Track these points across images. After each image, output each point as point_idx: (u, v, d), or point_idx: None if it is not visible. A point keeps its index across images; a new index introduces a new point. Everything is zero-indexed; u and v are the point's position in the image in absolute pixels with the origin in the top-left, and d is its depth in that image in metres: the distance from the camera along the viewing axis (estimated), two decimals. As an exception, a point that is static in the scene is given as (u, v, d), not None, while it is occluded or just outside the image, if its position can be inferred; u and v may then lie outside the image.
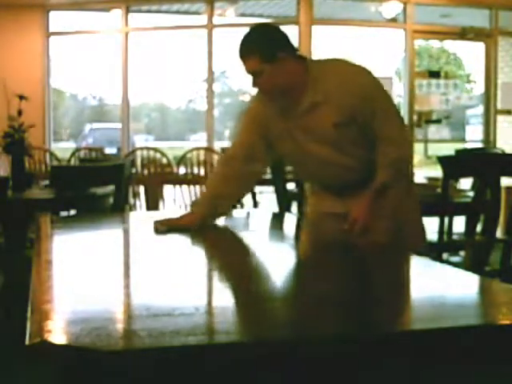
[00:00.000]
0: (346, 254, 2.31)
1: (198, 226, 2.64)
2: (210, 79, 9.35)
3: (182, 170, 6.86)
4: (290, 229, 3.09)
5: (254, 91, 2.73)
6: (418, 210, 2.84)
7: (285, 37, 2.60)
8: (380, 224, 2.60)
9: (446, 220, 3.80)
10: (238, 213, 4.13)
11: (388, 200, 2.62)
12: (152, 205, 6.59)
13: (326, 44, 11.24)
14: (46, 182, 4.77)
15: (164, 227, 2.59)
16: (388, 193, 2.61)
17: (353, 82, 2.57)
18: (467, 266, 3.52)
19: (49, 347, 1.26)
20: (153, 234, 2.56)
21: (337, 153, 2.63)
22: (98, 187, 4.55)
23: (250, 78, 2.60)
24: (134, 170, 6.27)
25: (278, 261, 2.17)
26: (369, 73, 2.62)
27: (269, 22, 11.01)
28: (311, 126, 2.61)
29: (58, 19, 9.72)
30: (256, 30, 2.63)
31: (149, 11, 10.39)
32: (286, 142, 2.70)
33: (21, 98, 4.62)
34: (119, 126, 9.80)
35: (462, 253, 4.12)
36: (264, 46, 2.54)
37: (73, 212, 4.64)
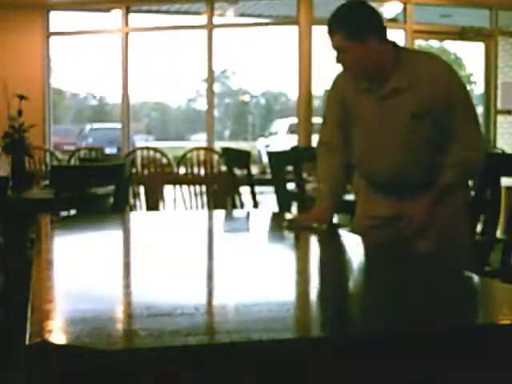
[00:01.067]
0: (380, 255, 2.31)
1: (329, 219, 2.69)
2: (210, 79, 9.35)
3: (182, 170, 6.85)
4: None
5: (339, 69, 2.69)
6: (467, 221, 2.77)
7: (377, 17, 2.57)
8: (435, 228, 2.55)
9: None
10: (238, 213, 4.13)
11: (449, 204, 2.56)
12: (152, 205, 6.59)
13: (326, 44, 11.22)
14: (46, 182, 4.76)
15: (297, 224, 2.64)
16: (448, 196, 2.55)
17: (440, 75, 2.53)
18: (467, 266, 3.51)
19: (49, 347, 1.26)
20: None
21: (404, 147, 2.58)
22: (98, 187, 4.55)
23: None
24: (134, 170, 6.26)
25: (278, 262, 2.17)
26: (456, 72, 2.62)
27: (269, 21, 11.02)
28: (390, 111, 2.57)
29: (59, 19, 9.72)
30: (348, 5, 2.60)
31: (149, 11, 10.39)
32: (360, 124, 2.67)
33: (21, 97, 4.62)
34: (119, 125, 9.80)
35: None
36: (352, 25, 2.50)
37: (73, 212, 4.64)
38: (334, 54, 2.58)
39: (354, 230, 2.82)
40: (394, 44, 2.59)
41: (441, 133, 2.54)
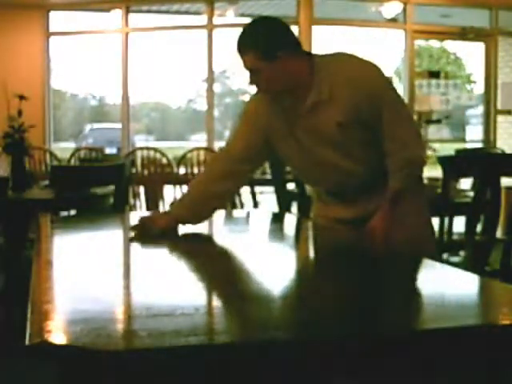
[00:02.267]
0: (351, 255, 2.31)
1: (171, 230, 2.50)
2: (210, 79, 9.35)
3: (182, 170, 6.86)
4: (290, 229, 3.08)
5: (255, 89, 2.57)
6: (427, 213, 2.71)
7: (287, 32, 2.43)
8: (399, 232, 2.47)
9: (446, 220, 3.80)
10: (238, 213, 4.13)
11: (404, 206, 2.48)
12: (152, 205, 6.59)
13: (326, 44, 11.23)
14: (46, 182, 4.77)
15: (137, 230, 2.49)
16: (403, 198, 2.47)
17: (359, 78, 2.41)
18: (467, 265, 3.52)
19: (49, 347, 1.26)
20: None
21: (341, 156, 2.50)
22: (98, 187, 4.55)
23: (247, 74, 2.47)
24: (134, 170, 6.28)
25: (278, 262, 2.17)
26: (376, 68, 2.46)
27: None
28: (315, 125, 2.47)
29: (58, 19, 9.73)
30: (256, 23, 2.46)
31: (149, 11, 10.40)
32: (289, 143, 2.55)
33: (21, 98, 4.62)
34: (119, 126, 9.81)
35: (462, 253, 4.12)
36: (263, 43, 2.37)
37: (73, 212, 4.64)
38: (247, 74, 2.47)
39: (314, 227, 2.78)
40: (308, 55, 2.48)
41: (375, 134, 2.45)
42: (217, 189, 2.59)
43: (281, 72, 2.39)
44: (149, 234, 2.46)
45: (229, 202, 2.69)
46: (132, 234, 2.50)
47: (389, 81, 2.52)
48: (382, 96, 2.43)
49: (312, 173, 2.64)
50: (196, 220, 2.58)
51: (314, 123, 2.47)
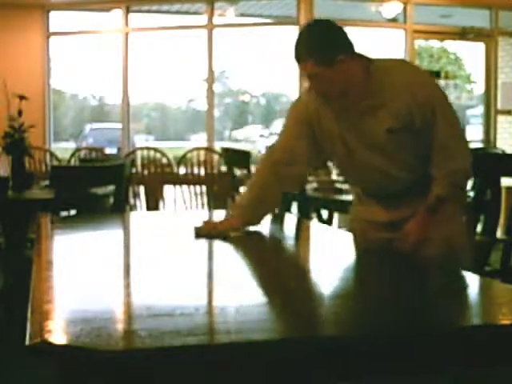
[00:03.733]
0: (381, 260, 2.31)
1: (239, 231, 2.54)
2: (210, 79, 9.35)
3: (182, 170, 6.86)
4: (291, 229, 3.08)
5: (304, 88, 2.56)
6: (464, 224, 2.69)
7: (343, 35, 2.43)
8: (433, 240, 2.44)
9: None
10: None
11: (443, 216, 2.45)
12: (152, 205, 6.59)
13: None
14: (46, 182, 4.76)
15: (204, 232, 2.51)
16: (443, 207, 2.44)
17: (415, 86, 2.42)
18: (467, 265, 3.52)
19: (49, 347, 1.26)
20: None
21: (387, 160, 2.50)
22: (98, 187, 4.55)
23: (305, 79, 2.47)
24: (134, 170, 6.26)
25: (279, 262, 2.17)
26: (432, 78, 2.48)
27: (269, 21, 11.02)
28: (365, 129, 2.47)
29: (58, 19, 9.72)
30: (312, 28, 2.46)
31: (149, 11, 10.39)
32: (336, 144, 2.56)
33: (21, 98, 4.62)
34: (119, 126, 9.80)
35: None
36: (322, 49, 2.38)
37: (73, 212, 4.64)
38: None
39: (350, 231, 2.75)
40: (364, 58, 2.47)
41: (423, 142, 2.45)
42: (271, 195, 2.67)
43: (340, 76, 2.40)
44: (215, 236, 2.47)
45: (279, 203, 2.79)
46: (197, 232, 2.52)
47: (444, 92, 2.52)
48: (436, 106, 2.42)
49: (355, 174, 2.66)
50: (258, 220, 2.66)
51: (364, 127, 2.47)
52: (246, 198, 2.70)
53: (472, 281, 1.90)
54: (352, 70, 2.41)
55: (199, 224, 2.56)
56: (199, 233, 2.51)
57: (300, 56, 2.41)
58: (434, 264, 2.19)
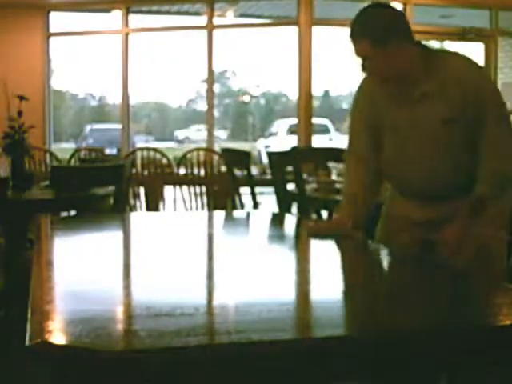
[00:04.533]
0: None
1: (350, 228, 2.53)
2: (210, 80, 9.35)
3: (182, 171, 6.85)
4: (290, 229, 3.08)
5: (362, 76, 2.57)
6: (505, 231, 2.57)
7: (400, 19, 2.43)
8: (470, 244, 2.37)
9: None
10: (238, 213, 4.13)
11: (485, 218, 2.38)
12: (152, 205, 6.59)
13: (326, 44, 11.23)
14: (46, 183, 4.76)
15: (316, 233, 2.54)
16: (485, 209, 2.36)
17: (470, 78, 2.38)
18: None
19: (49, 348, 1.26)
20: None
21: (436, 153, 2.45)
22: (98, 188, 4.55)
23: (359, 60, 2.44)
24: (134, 171, 6.26)
25: (279, 262, 2.17)
26: (487, 74, 2.42)
27: (269, 22, 11.02)
28: (419, 118, 2.44)
29: (59, 20, 9.72)
30: (371, 10, 2.45)
31: (149, 12, 10.40)
32: (388, 131, 2.54)
33: (21, 98, 4.62)
34: (119, 126, 9.81)
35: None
36: (378, 30, 2.36)
37: (73, 212, 4.64)
38: (357, 60, 2.45)
39: (380, 231, 2.71)
40: (421, 45, 2.46)
41: (474, 138, 2.40)
42: (363, 196, 2.63)
43: (393, 59, 2.38)
44: (326, 235, 2.49)
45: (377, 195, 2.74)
46: (310, 233, 2.56)
47: (496, 87, 2.49)
48: (488, 100, 2.38)
49: (401, 166, 2.58)
50: (363, 217, 2.63)
51: (419, 114, 2.44)
52: (346, 196, 2.69)
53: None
54: (406, 54, 2.40)
55: (310, 224, 2.65)
56: (311, 233, 2.56)
57: (355, 36, 2.40)
58: (463, 270, 2.15)
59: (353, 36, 2.41)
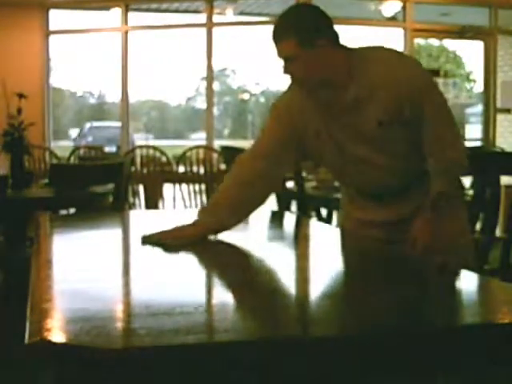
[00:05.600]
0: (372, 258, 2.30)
1: (201, 240, 2.32)
2: (210, 78, 9.35)
3: (181, 169, 6.86)
4: (290, 227, 3.08)
5: (288, 82, 2.43)
6: (466, 220, 2.58)
7: (326, 20, 2.31)
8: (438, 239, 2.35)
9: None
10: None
11: (446, 212, 2.35)
12: (151, 203, 6.59)
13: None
14: (46, 181, 4.77)
15: (153, 240, 2.25)
16: (447, 202, 2.34)
17: (400, 73, 2.29)
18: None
19: (48, 346, 1.26)
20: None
21: (379, 153, 2.39)
22: (98, 186, 4.55)
23: (281, 63, 2.31)
24: (133, 169, 6.27)
25: (278, 260, 2.17)
26: (418, 64, 2.36)
27: (268, 20, 11.02)
28: (353, 123, 2.35)
29: (58, 18, 9.73)
30: (294, 9, 2.35)
31: (148, 10, 10.40)
32: (322, 141, 2.43)
33: (20, 96, 4.62)
34: (119, 124, 9.81)
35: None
36: (302, 30, 2.25)
37: (72, 210, 4.64)
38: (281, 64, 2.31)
39: (342, 229, 2.69)
40: (346, 48, 2.35)
41: (416, 133, 2.34)
42: (245, 195, 2.44)
43: (319, 61, 2.27)
44: (173, 244, 2.24)
45: (259, 207, 2.52)
46: (146, 240, 2.28)
47: (431, 79, 2.39)
48: (424, 95, 2.30)
49: (347, 171, 2.52)
50: (223, 229, 2.39)
51: (352, 121, 2.35)
52: (213, 201, 2.48)
53: (471, 279, 1.90)
54: (332, 57, 2.29)
55: (150, 233, 2.30)
56: (147, 240, 2.26)
57: (280, 35, 2.28)
58: (433, 263, 2.18)
59: (277, 34, 2.28)
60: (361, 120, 2.33)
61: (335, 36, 2.32)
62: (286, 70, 2.31)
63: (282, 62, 2.31)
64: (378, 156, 2.40)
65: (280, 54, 2.30)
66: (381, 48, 2.41)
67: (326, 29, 2.30)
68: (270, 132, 2.49)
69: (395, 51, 2.42)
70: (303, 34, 2.25)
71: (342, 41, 2.35)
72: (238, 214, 2.45)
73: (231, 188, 2.45)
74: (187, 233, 2.32)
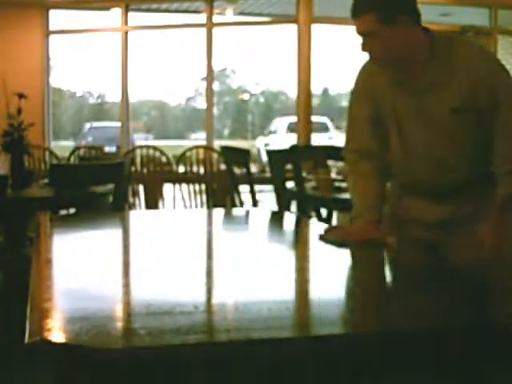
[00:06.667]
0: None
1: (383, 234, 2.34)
2: (210, 78, 9.35)
3: (181, 169, 6.86)
4: (290, 228, 3.08)
5: (364, 61, 2.38)
6: None
7: (411, 0, 2.22)
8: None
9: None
10: (237, 211, 4.13)
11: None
12: (151, 203, 6.59)
13: (325, 43, 11.23)
14: (46, 181, 4.76)
15: (332, 237, 2.31)
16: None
17: (482, 63, 2.22)
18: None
19: (48, 345, 1.26)
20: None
21: (445, 145, 2.30)
22: (98, 186, 4.55)
23: (360, 39, 2.25)
24: (133, 169, 6.26)
25: (279, 260, 2.17)
26: (501, 65, 2.28)
27: (267, 20, 11.03)
28: (426, 108, 2.27)
29: (58, 18, 9.73)
30: None
31: (148, 10, 10.40)
32: (393, 124, 2.36)
33: (20, 96, 4.62)
34: (119, 124, 9.81)
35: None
36: (383, 5, 2.17)
37: (72, 211, 4.64)
38: (359, 40, 2.26)
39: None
40: (428, 30, 2.27)
41: (486, 129, 2.25)
42: (378, 187, 2.47)
43: (399, 39, 2.20)
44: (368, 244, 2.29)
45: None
46: (329, 238, 2.32)
47: (509, 76, 2.29)
48: (501, 89, 2.22)
49: (408, 161, 2.42)
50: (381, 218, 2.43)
51: (425, 105, 2.28)
52: (361, 200, 2.47)
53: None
54: (412, 35, 2.22)
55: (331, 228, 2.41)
56: (327, 238, 2.32)
57: (360, 9, 2.21)
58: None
59: (356, 10, 2.22)
60: (434, 105, 2.27)
61: (417, 15, 2.24)
62: (364, 47, 2.25)
63: (360, 39, 2.26)
64: (443, 148, 2.32)
65: (359, 30, 2.23)
66: (467, 41, 2.37)
67: (408, 6, 2.22)
68: (356, 121, 2.48)
69: (481, 46, 2.38)
70: (384, 9, 2.17)
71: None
72: (377, 209, 2.45)
73: (359, 195, 2.47)
74: (369, 234, 2.33)
